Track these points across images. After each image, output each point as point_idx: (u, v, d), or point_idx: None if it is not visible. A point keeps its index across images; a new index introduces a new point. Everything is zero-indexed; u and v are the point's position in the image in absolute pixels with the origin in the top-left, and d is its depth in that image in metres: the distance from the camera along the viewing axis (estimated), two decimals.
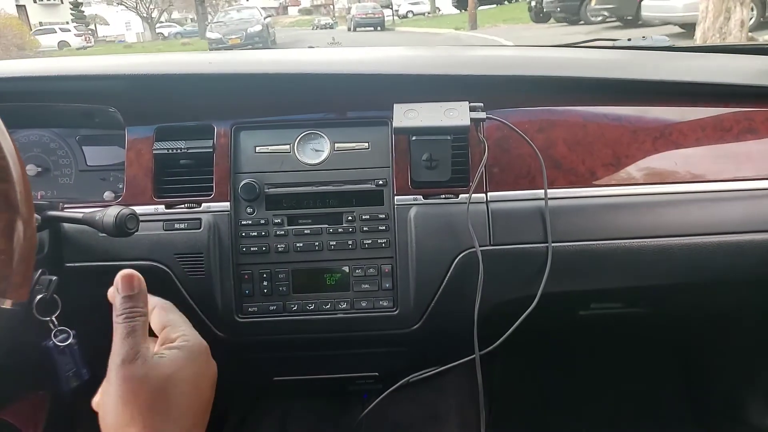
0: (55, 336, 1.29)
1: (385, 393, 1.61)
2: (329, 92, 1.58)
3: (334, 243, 1.49)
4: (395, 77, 1.56)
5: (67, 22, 50.07)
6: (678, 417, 2.33)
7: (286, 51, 2.08)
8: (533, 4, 22.49)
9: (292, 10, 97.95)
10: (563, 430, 2.26)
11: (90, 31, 48.13)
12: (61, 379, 1.30)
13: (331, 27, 50.64)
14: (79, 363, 1.32)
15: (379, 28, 37.69)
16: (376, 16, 38.70)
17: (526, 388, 2.42)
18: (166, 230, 1.47)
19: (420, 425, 1.96)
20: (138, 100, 1.55)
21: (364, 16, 38.60)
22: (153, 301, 0.98)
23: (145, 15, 55.50)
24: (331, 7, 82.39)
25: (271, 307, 1.50)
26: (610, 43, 2.30)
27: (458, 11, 41.34)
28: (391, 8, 46.58)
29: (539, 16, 22.26)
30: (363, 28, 37.78)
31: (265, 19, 28.99)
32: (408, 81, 1.56)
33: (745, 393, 2.13)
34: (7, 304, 0.93)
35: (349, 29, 39.78)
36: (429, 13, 49.71)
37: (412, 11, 53.51)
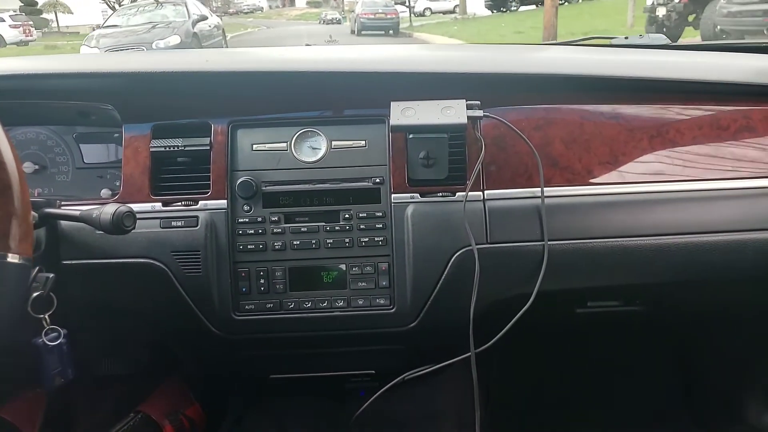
0: (46, 334, 1.29)
1: (381, 390, 1.61)
2: (326, 90, 1.58)
3: (331, 241, 1.50)
4: (392, 75, 1.56)
5: (15, 10, 38.76)
6: (675, 415, 2.33)
7: (284, 49, 2.08)
8: (662, 13, 13.02)
9: (300, 2, 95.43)
10: (559, 428, 2.26)
11: (31, 23, 37.55)
12: (46, 377, 1.31)
13: (339, 22, 46.83)
14: (66, 363, 1.32)
15: (391, 32, 28.93)
16: (388, 16, 29.25)
17: (523, 386, 2.42)
18: (163, 228, 1.47)
19: (416, 422, 1.97)
20: (135, 98, 1.55)
21: (372, 17, 29.08)
22: None
23: (111, 2, 41.47)
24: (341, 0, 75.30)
25: (268, 305, 1.50)
26: (606, 42, 2.30)
27: (491, 12, 34.28)
28: (408, 5, 35.96)
29: (663, 28, 12.80)
30: (370, 32, 28.78)
31: (196, 24, 15.76)
32: (405, 79, 1.56)
33: (742, 391, 2.13)
34: (14, 258, 0.99)
35: (352, 32, 30.94)
36: (456, 13, 36.97)
37: (429, 8, 44.06)
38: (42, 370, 1.31)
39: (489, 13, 34.66)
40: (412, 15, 36.50)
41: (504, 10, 33.70)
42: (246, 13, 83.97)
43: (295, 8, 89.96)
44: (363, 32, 28.94)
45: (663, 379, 2.42)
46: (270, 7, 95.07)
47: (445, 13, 42.93)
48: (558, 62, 1.79)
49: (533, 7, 32.93)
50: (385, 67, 1.59)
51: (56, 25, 49.80)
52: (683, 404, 2.35)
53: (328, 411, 2.03)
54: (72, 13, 49.42)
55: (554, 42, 2.36)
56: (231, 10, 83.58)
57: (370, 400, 1.65)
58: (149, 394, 2.01)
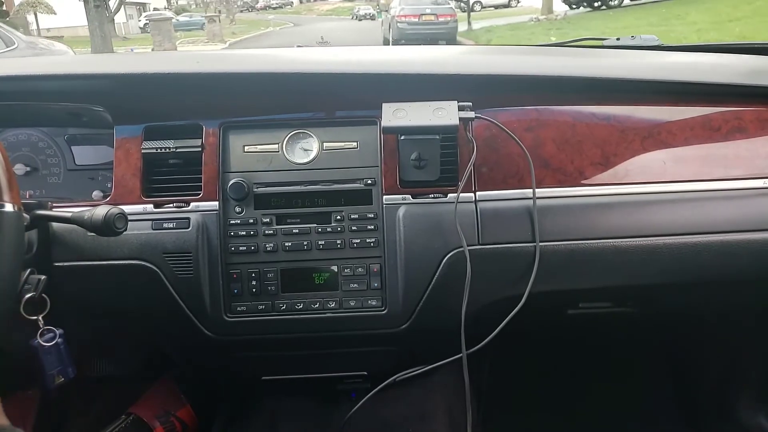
0: (42, 335, 1.30)
1: (373, 392, 1.61)
2: (318, 92, 1.58)
3: (323, 242, 1.50)
4: (384, 76, 1.56)
5: None
6: (667, 416, 2.34)
7: (276, 50, 2.07)
8: None
9: None
10: (551, 429, 2.26)
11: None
12: (46, 378, 1.31)
13: (373, 18, 43.72)
14: (66, 362, 1.33)
15: (443, 44, 16.86)
16: (440, 19, 19.57)
17: (515, 387, 2.42)
18: (154, 230, 1.47)
19: (408, 424, 1.96)
20: (126, 100, 1.55)
21: (415, 21, 19.40)
22: None
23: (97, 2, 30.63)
24: None
25: (260, 307, 1.50)
26: (598, 43, 2.30)
27: (569, 8, 26.02)
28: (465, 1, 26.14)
29: None
30: (414, 43, 18.01)
31: None
32: (397, 80, 1.55)
33: (733, 392, 2.14)
34: (9, 208, 1.05)
35: (386, 41, 21.20)
36: (509, 6, 28.44)
37: (479, 2, 37.45)
38: (41, 371, 1.31)
39: (569, 9, 26.11)
40: (470, 10, 26.04)
41: (599, 5, 24.89)
42: (274, 8, 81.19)
43: (327, 3, 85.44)
44: (403, 42, 18.63)
45: (655, 380, 2.42)
46: (300, 1, 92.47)
47: (497, 7, 35.91)
48: (550, 63, 1.79)
49: (588, 9, 25.14)
50: (377, 69, 1.59)
51: (35, 28, 42.16)
52: (675, 404, 2.35)
53: (320, 412, 2.03)
54: (55, 14, 41.56)
55: (546, 43, 2.36)
56: (259, 6, 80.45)
57: (361, 402, 1.64)
58: (141, 395, 2.01)
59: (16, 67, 1.62)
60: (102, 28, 17.91)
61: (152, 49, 20.64)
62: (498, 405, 2.32)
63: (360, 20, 45.67)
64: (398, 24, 19.45)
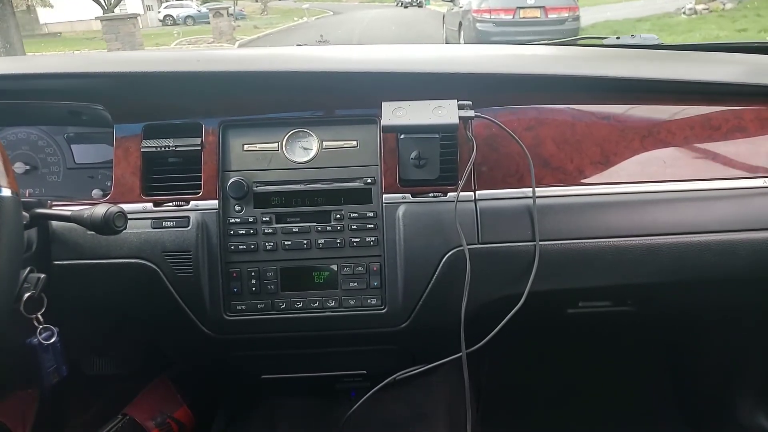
0: (40, 333, 1.30)
1: (372, 391, 1.61)
2: (317, 90, 1.57)
3: (323, 241, 1.49)
4: (384, 75, 1.56)
5: None
6: (666, 415, 2.34)
7: (276, 49, 2.08)
8: None
9: None
10: (550, 429, 2.26)
11: None
12: (42, 376, 1.32)
13: (420, 5, 42.42)
14: (60, 360, 1.34)
15: None
16: (550, 15, 12.06)
17: (514, 386, 2.42)
18: (154, 228, 1.47)
19: (407, 423, 1.97)
20: (125, 99, 1.55)
21: (507, 20, 11.99)
22: None
23: None
24: None
25: (260, 305, 1.50)
26: (598, 41, 2.30)
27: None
28: None
29: None
30: None
31: None
32: (397, 79, 1.55)
33: (733, 391, 2.14)
34: (7, 192, 1.05)
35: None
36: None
37: None
38: (38, 369, 1.32)
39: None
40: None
41: None
42: None
43: None
44: None
45: (654, 379, 2.42)
46: None
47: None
48: (550, 62, 1.79)
49: None
50: (376, 67, 1.59)
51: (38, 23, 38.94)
52: (674, 403, 2.35)
53: (320, 411, 2.03)
54: (51, 7, 34.69)
55: (546, 42, 2.36)
56: None
57: (361, 401, 1.64)
58: (139, 394, 2.01)
59: (16, 66, 1.62)
60: (6, 33, 13.23)
61: None
62: (498, 404, 2.33)
63: (406, 7, 43.90)
64: (478, 24, 12.25)
